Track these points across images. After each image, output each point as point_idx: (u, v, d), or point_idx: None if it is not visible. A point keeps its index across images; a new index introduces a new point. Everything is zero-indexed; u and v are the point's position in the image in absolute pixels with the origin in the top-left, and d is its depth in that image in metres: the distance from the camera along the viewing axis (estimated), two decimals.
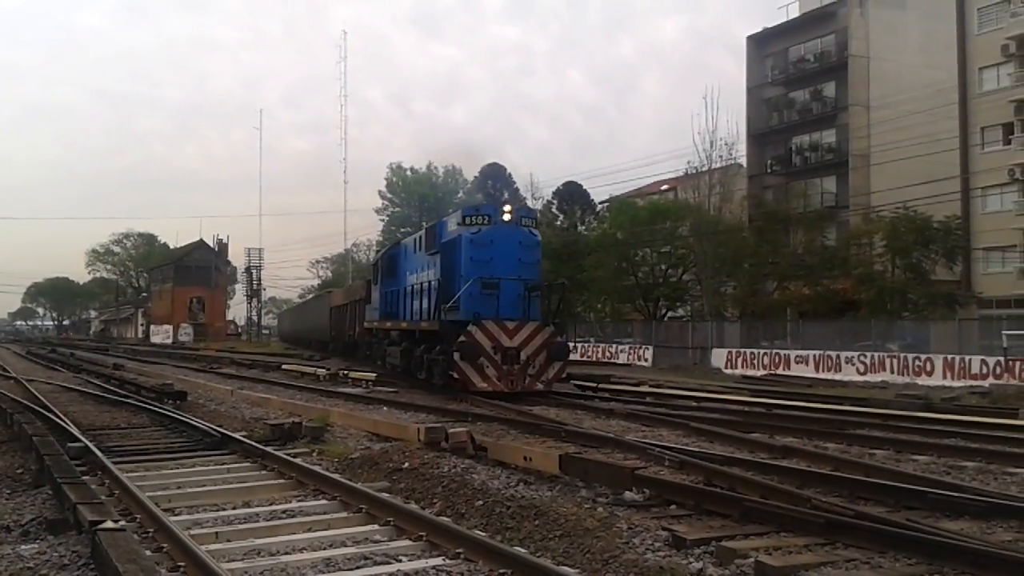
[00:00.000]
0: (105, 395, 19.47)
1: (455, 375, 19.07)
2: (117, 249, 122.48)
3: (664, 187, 61.98)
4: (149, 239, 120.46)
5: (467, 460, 10.31)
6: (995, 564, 5.87)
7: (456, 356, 18.78)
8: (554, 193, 66.60)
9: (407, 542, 6.79)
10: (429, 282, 21.52)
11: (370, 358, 29.94)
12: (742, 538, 6.95)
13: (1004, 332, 30.13)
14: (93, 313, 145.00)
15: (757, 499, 7.93)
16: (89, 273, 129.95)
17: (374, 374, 24.32)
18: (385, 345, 26.40)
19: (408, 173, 69.75)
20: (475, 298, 19.44)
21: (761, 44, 56.32)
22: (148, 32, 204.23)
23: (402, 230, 67.48)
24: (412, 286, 23.45)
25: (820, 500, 7.72)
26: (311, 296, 65.91)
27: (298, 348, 55.40)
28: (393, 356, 24.83)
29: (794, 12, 56.04)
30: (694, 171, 47.07)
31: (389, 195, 70.51)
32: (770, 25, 56.14)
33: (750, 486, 8.52)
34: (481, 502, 8.31)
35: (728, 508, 7.78)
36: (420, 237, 24.06)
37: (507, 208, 20.72)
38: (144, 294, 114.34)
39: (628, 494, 8.40)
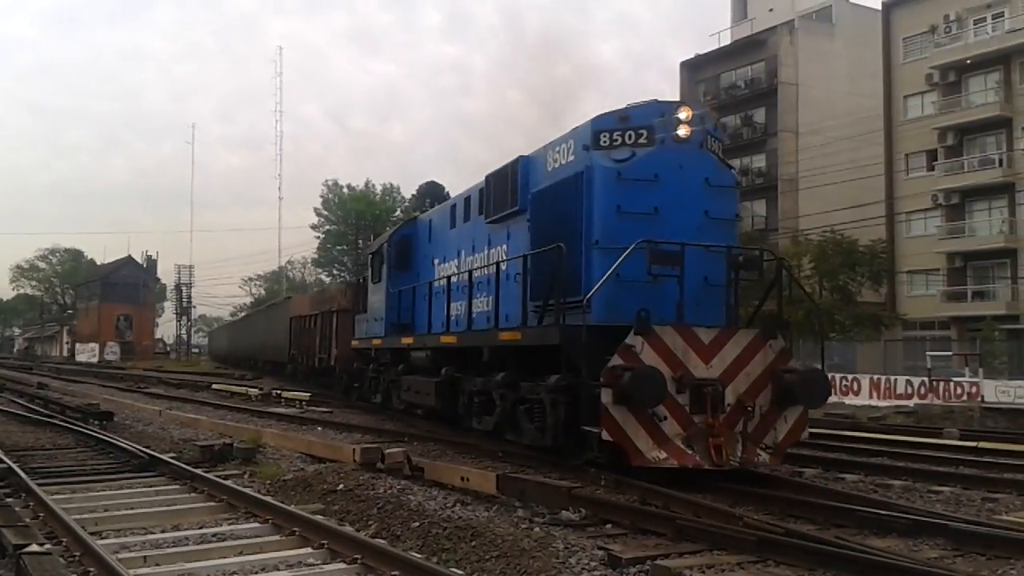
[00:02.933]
0: (29, 415, 18.86)
1: (601, 433, 9.71)
2: (42, 265, 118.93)
3: None
4: (75, 255, 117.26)
5: (403, 481, 10.25)
6: None
7: (605, 398, 9.66)
8: None
9: (342, 565, 6.71)
10: (499, 265, 13.39)
11: (361, 392, 21.59)
12: (676, 556, 7.05)
13: (928, 353, 31.00)
14: (17, 331, 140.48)
15: (691, 518, 8.04)
16: (13, 289, 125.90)
17: (308, 394, 24.00)
18: (397, 374, 17.71)
19: (345, 190, 69.27)
20: (627, 286, 10.40)
21: (694, 70, 57.59)
22: (77, 42, 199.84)
23: (337, 248, 66.93)
24: (453, 279, 15.25)
25: (752, 518, 7.85)
26: (265, 305, 53.49)
27: (239, 369, 47.70)
28: (418, 392, 15.95)
29: (726, 39, 57.46)
30: None
31: (325, 212, 69.87)
32: (703, 51, 57.41)
33: (684, 505, 8.62)
34: (417, 523, 8.24)
35: (663, 527, 7.88)
36: (466, 200, 15.51)
37: (684, 113, 11.31)
38: (70, 311, 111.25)
39: (565, 513, 8.43)
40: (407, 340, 16.94)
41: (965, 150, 43.71)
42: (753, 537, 7.17)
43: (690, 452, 9.80)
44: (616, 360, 9.76)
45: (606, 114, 11.52)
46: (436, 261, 17.01)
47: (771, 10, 54.67)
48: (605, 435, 9.66)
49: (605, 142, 11.29)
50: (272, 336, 38.93)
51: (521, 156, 13.23)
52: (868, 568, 6.37)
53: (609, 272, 10.18)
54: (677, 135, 11.19)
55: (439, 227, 17.20)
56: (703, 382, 10.07)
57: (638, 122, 11.25)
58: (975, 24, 43.69)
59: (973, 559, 7.12)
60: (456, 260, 15.73)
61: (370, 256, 21.20)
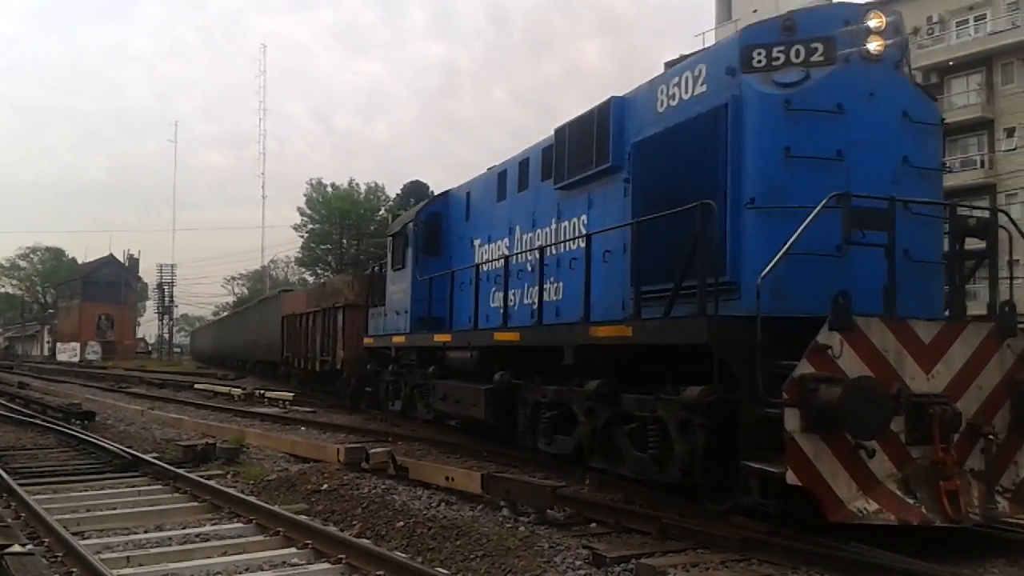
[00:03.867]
0: (10, 415, 18.68)
1: (785, 475, 6.79)
2: (23, 264, 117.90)
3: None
4: (57, 254, 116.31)
5: (388, 481, 10.25)
6: None
7: (792, 423, 6.81)
8: None
9: (326, 565, 6.70)
10: (584, 241, 10.05)
11: (377, 398, 18.76)
12: (661, 555, 7.07)
13: None
14: None
15: (675, 517, 8.07)
16: None
17: (291, 394, 23.90)
18: (426, 378, 14.70)
19: (328, 189, 69.10)
20: (800, 261, 7.45)
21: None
22: (61, 40, 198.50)
23: (321, 247, 66.74)
24: (512, 261, 12.36)
25: (736, 518, 7.87)
26: (254, 302, 49.47)
27: (225, 371, 45.24)
28: (459, 401, 13.11)
29: (711, 40, 57.58)
30: None
31: (309, 211, 69.66)
32: (687, 52, 57.55)
33: (669, 504, 8.64)
34: (402, 523, 8.24)
35: (647, 526, 7.89)
36: (521, 164, 12.77)
37: (875, 20, 8.25)
38: (51, 311, 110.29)
39: (550, 513, 8.44)
40: (442, 337, 13.79)
41: (947, 151, 44.02)
42: (737, 536, 7.21)
43: (911, 502, 6.92)
44: (805, 367, 6.83)
45: (761, 23, 8.62)
46: (476, 242, 14.32)
47: (755, 11, 54.81)
48: (791, 477, 6.68)
49: (761, 61, 8.19)
50: (262, 335, 35.74)
51: (613, 97, 10.26)
52: (849, 566, 6.42)
53: (793, 239, 7.10)
54: (867, 50, 8.10)
55: (480, 201, 14.39)
56: (926, 399, 7.16)
57: (811, 32, 8.12)
58: (957, 26, 44.02)
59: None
60: (506, 239, 13.11)
61: (390, 239, 17.99)
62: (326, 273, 61.18)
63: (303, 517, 8.16)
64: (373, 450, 11.09)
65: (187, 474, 10.40)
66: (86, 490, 9.98)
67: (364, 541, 7.34)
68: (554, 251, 11.41)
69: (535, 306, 11.33)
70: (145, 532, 7.97)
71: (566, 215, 11.36)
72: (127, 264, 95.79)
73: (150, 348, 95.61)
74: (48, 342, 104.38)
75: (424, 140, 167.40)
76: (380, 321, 18.32)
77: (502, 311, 12.19)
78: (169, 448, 13.44)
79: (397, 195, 71.17)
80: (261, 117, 79.93)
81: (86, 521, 8.29)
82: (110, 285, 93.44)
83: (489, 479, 9.10)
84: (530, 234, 12.40)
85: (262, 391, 25.39)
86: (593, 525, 8.27)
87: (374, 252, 46.08)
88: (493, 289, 13.13)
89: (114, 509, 8.89)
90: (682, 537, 7.52)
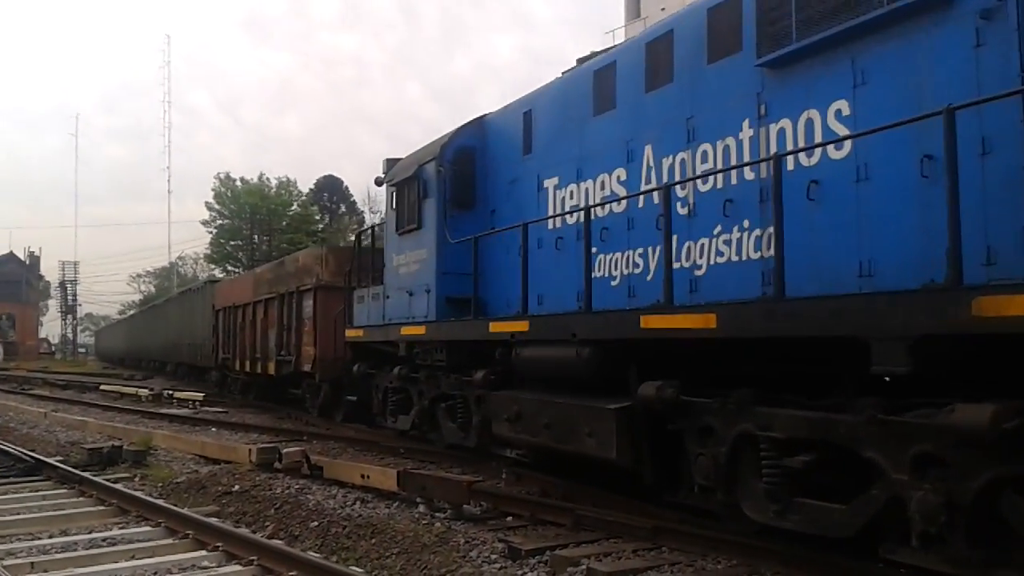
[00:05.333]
0: None
1: None
2: None
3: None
4: None
5: (302, 480, 10.14)
6: (806, 564, 6.27)
7: None
8: None
9: (237, 567, 6.61)
10: (822, 153, 6.58)
11: (371, 410, 14.34)
12: (575, 546, 7.17)
13: None
14: None
15: (589, 508, 8.20)
16: None
17: (201, 394, 23.34)
18: (478, 388, 10.47)
19: (238, 183, 67.67)
20: None
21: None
22: None
23: (231, 243, 65.30)
24: (637, 200, 8.60)
25: (649, 507, 8.03)
26: (176, 293, 42.57)
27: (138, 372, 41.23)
28: (557, 428, 8.65)
29: (620, 37, 58.31)
30: None
31: (217, 206, 68.07)
32: (597, 49, 58.17)
33: (583, 496, 8.77)
34: (316, 523, 8.17)
35: (562, 517, 8.03)
36: (656, 44, 8.54)
37: None
38: None
39: (466, 508, 8.47)
40: (512, 325, 9.36)
41: None
42: (649, 525, 7.36)
43: None
44: None
45: None
46: (550, 183, 10.06)
47: (663, 9, 55.69)
48: None
49: None
50: (187, 333, 30.64)
51: None
52: (756, 552, 6.60)
53: None
54: None
55: (555, 122, 10.05)
56: None
57: None
58: None
59: None
60: (619, 171, 8.88)
61: (391, 191, 13.22)
62: (237, 270, 59.98)
63: (214, 519, 8.05)
64: (286, 450, 10.94)
65: (93, 478, 10.15)
66: None
67: (276, 542, 7.26)
68: (744, 177, 7.31)
69: (700, 271, 7.67)
70: (50, 537, 7.76)
71: (782, 111, 7.00)
72: (28, 262, 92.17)
73: (53, 348, 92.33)
74: None
75: (337, 134, 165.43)
76: (372, 306, 13.82)
77: (638, 280, 8.43)
78: (74, 451, 13.03)
79: (310, 190, 70.25)
80: (166, 109, 78.15)
81: None
82: (10, 284, 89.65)
83: (405, 476, 9.08)
84: (682, 154, 7.98)
85: (171, 392, 24.76)
86: (509, 519, 8.34)
87: (286, 249, 45.25)
88: (601, 252, 8.89)
89: (17, 514, 8.61)
90: (596, 528, 7.65)
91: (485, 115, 12.05)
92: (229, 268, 63.36)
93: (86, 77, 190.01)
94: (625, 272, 8.64)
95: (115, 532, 7.91)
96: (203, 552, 7.05)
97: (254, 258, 58.06)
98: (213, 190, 67.44)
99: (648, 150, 8.53)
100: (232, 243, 66.14)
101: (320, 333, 17.10)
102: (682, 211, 7.89)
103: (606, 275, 8.88)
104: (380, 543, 7.36)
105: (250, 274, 25.38)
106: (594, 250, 8.70)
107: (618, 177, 8.94)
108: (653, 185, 8.26)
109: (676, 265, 7.56)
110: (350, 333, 14.64)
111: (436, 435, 12.10)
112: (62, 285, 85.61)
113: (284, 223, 62.86)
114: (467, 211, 11.56)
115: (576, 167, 9.62)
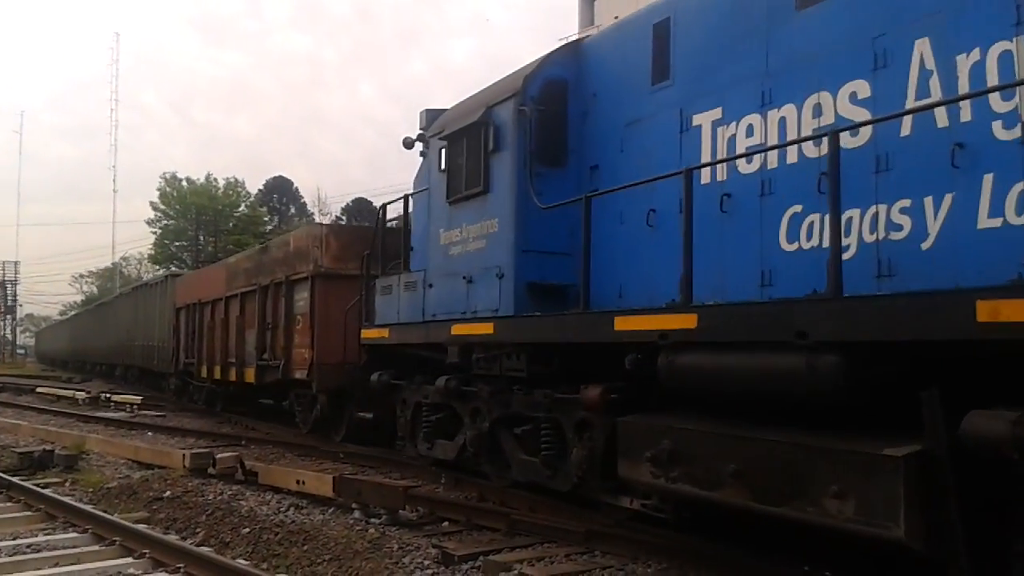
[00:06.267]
0: None
1: None
2: None
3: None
4: None
5: (236, 486, 10.01)
6: (737, 568, 6.33)
7: None
8: (343, 209, 65.81)
9: (163, 575, 6.48)
10: None
11: (388, 432, 12.11)
12: (508, 551, 7.16)
13: None
14: None
15: (525, 513, 8.21)
16: None
17: (139, 397, 22.87)
18: (602, 417, 7.32)
19: (184, 184, 66.68)
20: None
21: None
22: None
23: (176, 243, 64.40)
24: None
25: (582, 511, 8.06)
26: (128, 288, 37.85)
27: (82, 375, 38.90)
28: (821, 485, 5.12)
29: None
30: None
31: (163, 206, 67.03)
32: None
33: (520, 501, 8.77)
34: (248, 529, 8.05)
35: (498, 522, 8.03)
36: None
37: None
38: None
39: (402, 513, 8.42)
40: (654, 321, 6.54)
41: None
42: (582, 529, 7.38)
43: None
44: None
45: None
46: (704, 118, 7.26)
47: (616, 17, 56.16)
48: None
49: None
50: (141, 334, 27.59)
51: None
52: (686, 556, 6.65)
53: None
54: None
55: (714, 28, 7.31)
56: None
57: None
58: None
59: None
60: (860, 83, 5.98)
61: (440, 147, 10.18)
62: (180, 272, 59.08)
63: (142, 526, 7.91)
64: (220, 455, 10.77)
65: (21, 482, 9.92)
66: None
67: (205, 549, 7.14)
68: None
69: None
70: None
71: None
72: None
73: None
74: None
75: (289, 135, 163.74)
76: (404, 299, 10.76)
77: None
78: (4, 455, 12.68)
79: (259, 191, 69.57)
80: (113, 107, 76.51)
81: None
82: None
83: (341, 482, 8.99)
84: (1003, 44, 5.10)
85: (108, 394, 24.26)
86: (445, 524, 8.32)
87: (232, 250, 44.66)
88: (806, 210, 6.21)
89: None
90: (530, 532, 7.66)
91: (583, 38, 9.50)
92: (173, 269, 62.38)
93: (34, 75, 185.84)
94: (869, 238, 5.69)
95: (40, 538, 7.71)
96: (129, 559, 6.91)
97: (199, 259, 57.26)
98: (159, 190, 66.49)
99: (922, 47, 5.59)
100: (177, 244, 65.23)
101: (319, 332, 13.90)
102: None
103: (814, 244, 6.12)
104: (312, 550, 7.28)
105: (222, 264, 21.54)
106: (797, 208, 6.27)
107: (853, 94, 5.98)
108: (934, 99, 5.44)
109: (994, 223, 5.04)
110: (369, 334, 11.64)
111: (496, 468, 9.38)
112: (1, 285, 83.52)
113: (231, 224, 62.09)
114: (556, 168, 8.76)
115: (760, 88, 6.72)
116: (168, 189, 65.24)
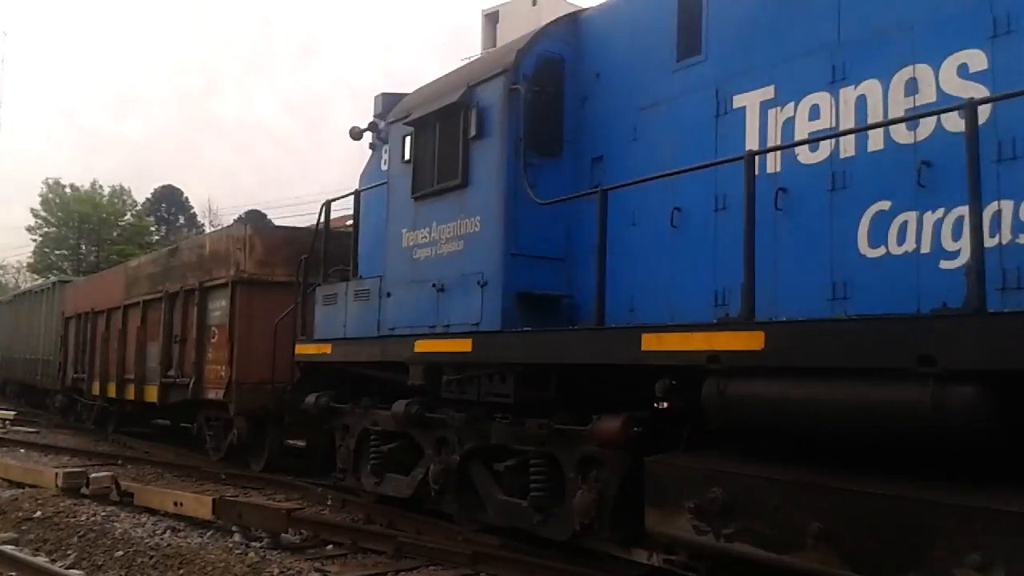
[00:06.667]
0: None
1: None
2: None
3: (349, 223, 62.14)
4: None
5: (110, 507, 9.66)
6: None
7: None
8: (236, 220, 64.38)
9: None
10: None
11: (343, 466, 9.89)
12: (393, 574, 7.10)
13: None
14: None
15: (412, 535, 8.14)
16: None
17: (12, 412, 21.74)
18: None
19: (67, 190, 64.11)
20: None
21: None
22: None
23: (57, 252, 61.84)
24: None
25: (470, 533, 8.05)
26: (16, 293, 34.46)
27: None
28: None
29: None
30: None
31: (44, 213, 64.27)
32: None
33: (407, 523, 8.69)
34: (122, 552, 7.76)
35: (384, 545, 7.93)
36: None
37: None
38: None
39: (285, 536, 8.23)
40: (698, 340, 5.39)
41: None
42: (468, 551, 7.36)
43: None
44: None
45: None
46: (750, 99, 6.24)
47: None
48: None
49: None
50: (25, 346, 25.42)
51: None
52: None
53: None
54: None
55: None
56: None
57: None
58: None
59: None
60: (974, 52, 4.99)
61: (404, 135, 8.89)
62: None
63: (9, 547, 7.54)
64: (95, 475, 10.34)
65: None
66: None
67: (76, 572, 6.86)
68: None
69: None
70: None
71: None
72: None
73: None
74: None
75: (180, 143, 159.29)
76: (354, 310, 9.43)
77: None
78: None
79: (147, 199, 67.44)
80: None
81: None
82: None
83: (221, 504, 8.73)
84: None
85: None
86: (330, 547, 8.15)
87: (116, 260, 43.09)
88: (877, 211, 5.31)
89: None
90: (417, 554, 7.59)
91: (580, 11, 8.17)
92: (52, 277, 59.89)
93: None
94: (990, 241, 4.63)
95: None
96: None
97: (80, 269, 55.07)
98: (41, 196, 63.84)
99: None
100: (57, 252, 62.66)
101: (239, 347, 12.28)
102: None
103: (908, 248, 5.12)
104: (188, 574, 7.06)
105: (120, 269, 19.19)
106: (884, 205, 5.24)
107: (963, 66, 4.99)
108: None
109: None
110: (305, 349, 10.24)
111: (465, 510, 8.03)
112: None
113: (115, 233, 60.02)
114: (549, 159, 7.60)
115: (829, 62, 5.69)
116: (51, 195, 62.65)
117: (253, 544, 8.03)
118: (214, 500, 8.84)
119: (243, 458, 12.81)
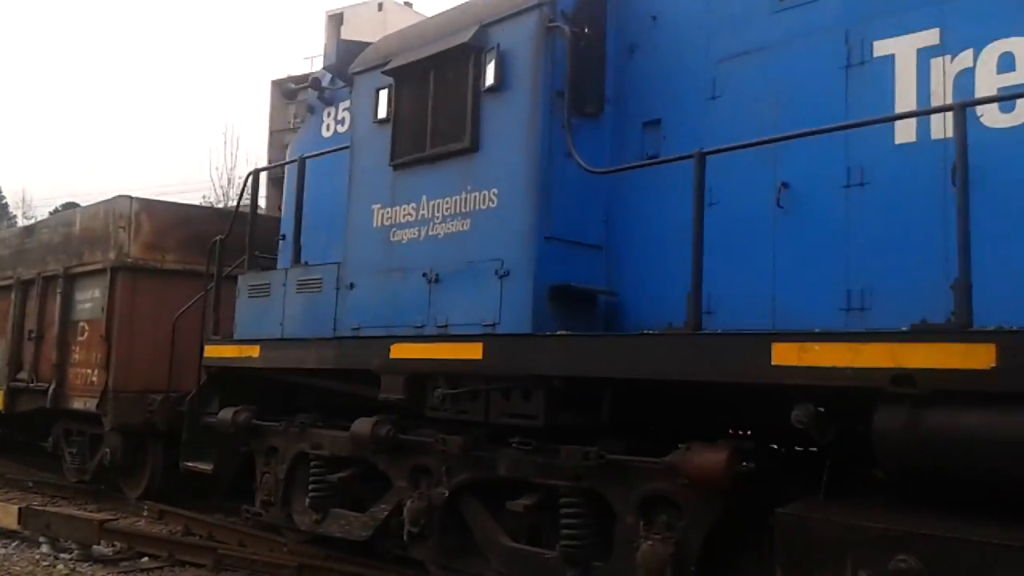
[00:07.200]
0: None
1: None
2: None
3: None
4: None
5: None
6: None
7: None
8: (52, 213, 60.53)
9: None
10: None
11: (264, 496, 7.89)
12: None
13: None
14: None
15: (234, 547, 7.99)
16: None
17: None
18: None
19: None
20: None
21: (287, 91, 57.43)
22: None
23: None
24: None
25: (295, 545, 7.96)
26: None
27: None
28: None
29: (319, 64, 58.11)
30: (209, 205, 46.21)
31: None
32: (295, 73, 57.55)
33: (229, 533, 8.51)
34: None
35: (203, 557, 7.77)
36: None
37: None
38: None
39: (97, 548, 7.91)
40: (927, 355, 3.82)
41: None
42: (294, 563, 7.29)
43: None
44: None
45: None
46: (921, 39, 4.69)
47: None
48: None
49: None
50: None
51: None
52: None
53: None
54: None
55: None
56: None
57: None
58: None
59: None
60: None
61: (385, 88, 6.85)
62: None
63: None
64: None
65: None
66: None
67: None
68: None
69: None
70: None
71: None
72: None
73: None
74: None
75: None
76: (299, 303, 7.55)
77: None
78: None
79: None
80: None
81: None
82: None
83: (28, 513, 8.32)
84: None
85: None
86: (145, 560, 7.92)
87: None
88: None
89: None
90: (238, 567, 7.48)
91: None
92: None
93: None
94: None
95: None
96: None
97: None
98: None
99: None
100: None
101: (118, 348, 10.22)
102: None
103: None
104: None
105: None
106: None
107: None
108: None
109: None
110: (220, 351, 8.23)
111: (448, 558, 6.26)
112: None
113: None
114: (588, 120, 6.05)
115: None
116: None
117: (62, 556, 7.73)
118: (20, 509, 8.43)
119: (113, 480, 10.84)
